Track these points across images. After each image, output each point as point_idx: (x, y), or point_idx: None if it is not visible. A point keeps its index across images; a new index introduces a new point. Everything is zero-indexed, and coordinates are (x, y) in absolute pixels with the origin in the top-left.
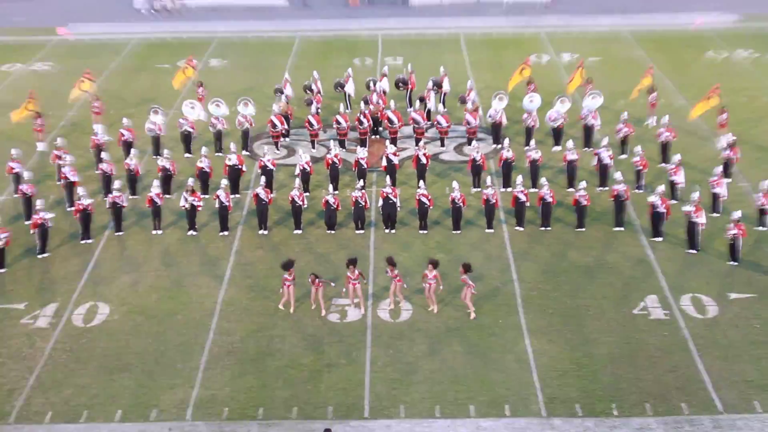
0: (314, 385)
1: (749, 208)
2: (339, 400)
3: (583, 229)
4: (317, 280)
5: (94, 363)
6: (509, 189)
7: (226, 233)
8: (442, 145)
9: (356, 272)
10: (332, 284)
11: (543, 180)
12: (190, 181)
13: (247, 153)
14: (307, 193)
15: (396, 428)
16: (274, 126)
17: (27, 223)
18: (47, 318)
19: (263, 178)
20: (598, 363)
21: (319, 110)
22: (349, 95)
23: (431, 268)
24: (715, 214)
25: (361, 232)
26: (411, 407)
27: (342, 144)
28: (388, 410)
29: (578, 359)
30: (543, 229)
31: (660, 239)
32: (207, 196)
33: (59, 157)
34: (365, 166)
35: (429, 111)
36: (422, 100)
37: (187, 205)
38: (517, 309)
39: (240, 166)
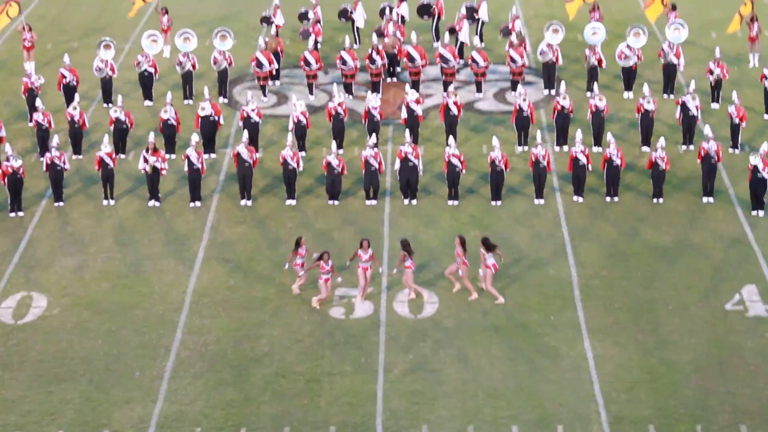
0: (312, 398)
1: None
2: (344, 418)
3: (661, 200)
4: (329, 261)
5: (27, 371)
6: (565, 148)
7: (197, 204)
8: (479, 90)
9: (370, 252)
10: (339, 279)
11: (609, 136)
12: (152, 136)
13: (225, 100)
14: (303, 153)
15: None
16: (259, 65)
17: None
18: None
19: (246, 133)
20: (679, 372)
21: (319, 45)
22: (357, 26)
23: (459, 243)
24: None
25: (373, 202)
26: (436, 427)
27: (348, 89)
28: (407, 431)
29: (653, 367)
30: (609, 199)
31: (762, 213)
32: (173, 157)
33: None
34: (378, 117)
35: (462, 46)
36: (453, 31)
37: (147, 168)
38: (574, 302)
39: (216, 118)
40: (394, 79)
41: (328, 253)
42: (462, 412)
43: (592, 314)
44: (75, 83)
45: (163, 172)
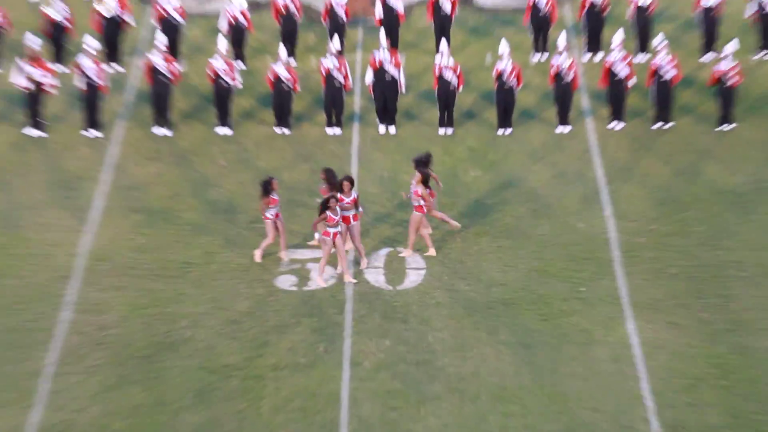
0: (250, 402)
1: None
2: (295, 428)
3: (731, 127)
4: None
5: None
6: (599, 56)
7: (96, 133)
8: None
9: (353, 196)
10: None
11: (658, 40)
12: (35, 41)
13: None
14: (242, 65)
15: None
16: None
17: None
18: None
19: (164, 38)
20: (759, 364)
21: None
22: None
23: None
24: None
25: (337, 131)
26: None
27: None
28: None
29: (722, 357)
30: (658, 126)
31: None
32: (63, 69)
33: None
34: (344, 17)
35: None
36: None
37: (29, 85)
38: (612, 268)
39: (124, 17)
40: None
41: (336, 198)
42: (458, 421)
43: (637, 284)
44: None
45: (51, 90)
